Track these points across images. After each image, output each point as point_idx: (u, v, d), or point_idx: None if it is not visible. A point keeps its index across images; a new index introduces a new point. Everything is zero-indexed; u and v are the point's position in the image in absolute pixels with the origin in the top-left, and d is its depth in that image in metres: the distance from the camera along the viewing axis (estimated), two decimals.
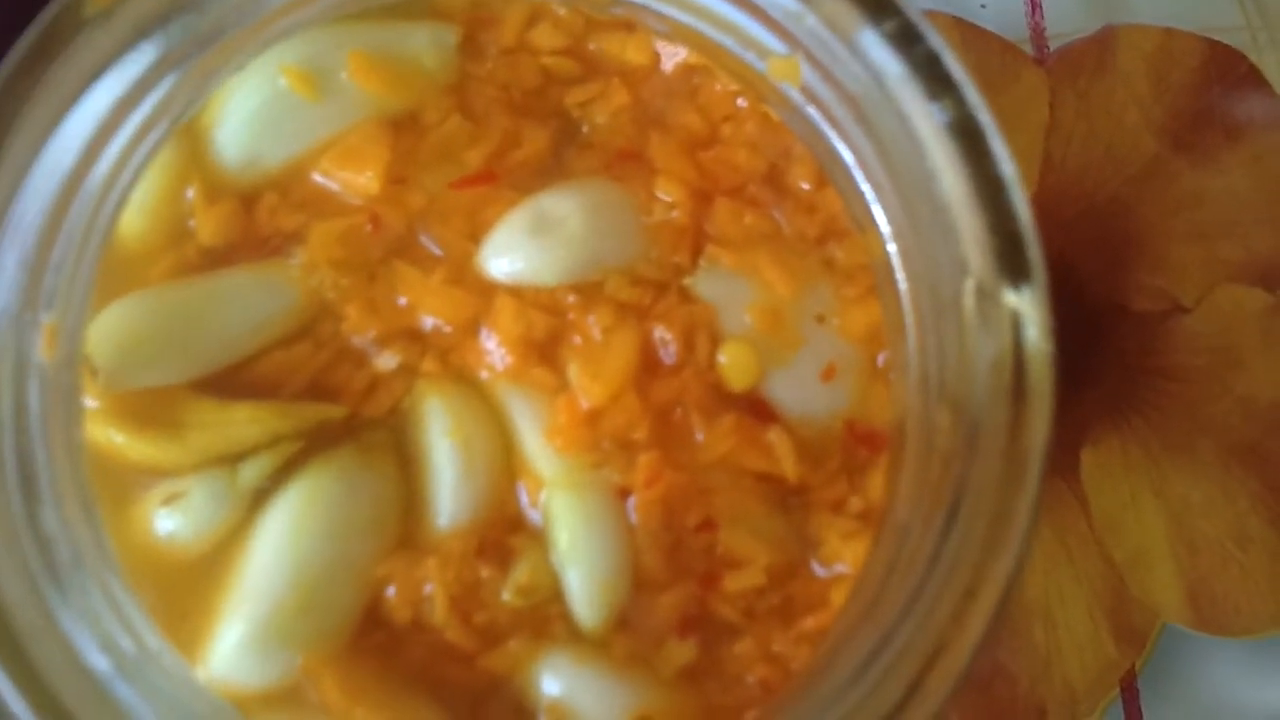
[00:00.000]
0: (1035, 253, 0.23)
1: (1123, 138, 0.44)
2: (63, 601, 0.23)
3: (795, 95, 0.27)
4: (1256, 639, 0.42)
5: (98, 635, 0.23)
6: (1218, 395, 0.43)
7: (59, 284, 0.25)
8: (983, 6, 0.48)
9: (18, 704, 0.22)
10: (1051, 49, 0.48)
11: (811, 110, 0.27)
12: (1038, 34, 0.49)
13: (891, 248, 0.27)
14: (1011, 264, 0.24)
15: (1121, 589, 0.41)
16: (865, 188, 0.27)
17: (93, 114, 0.24)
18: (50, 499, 0.24)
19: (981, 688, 0.42)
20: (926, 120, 0.24)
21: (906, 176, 0.25)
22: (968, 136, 0.24)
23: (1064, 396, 0.43)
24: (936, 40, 0.24)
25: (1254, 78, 0.45)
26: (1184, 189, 0.44)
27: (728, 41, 0.28)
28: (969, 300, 0.24)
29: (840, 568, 0.28)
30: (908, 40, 0.24)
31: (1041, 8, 0.49)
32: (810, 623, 0.28)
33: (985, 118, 0.23)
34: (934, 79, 0.24)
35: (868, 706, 0.24)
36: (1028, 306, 0.24)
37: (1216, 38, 0.44)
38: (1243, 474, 0.42)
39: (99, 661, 0.23)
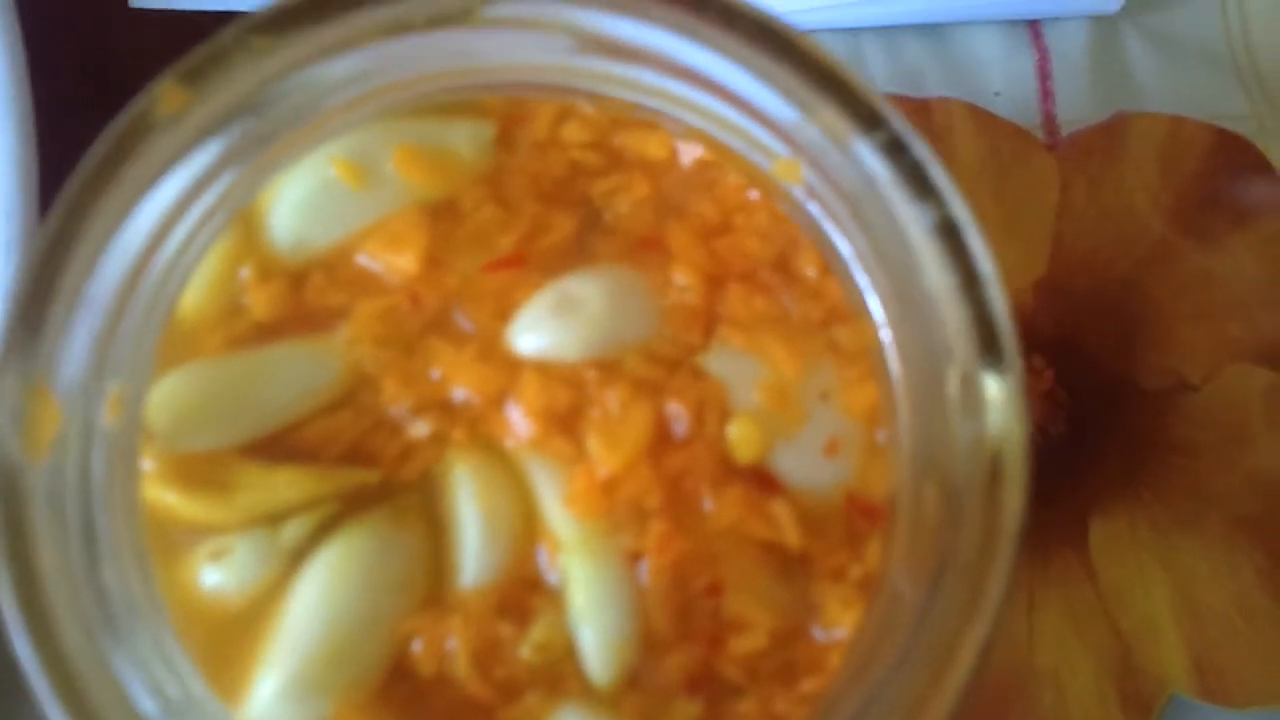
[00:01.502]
0: (1011, 344, 0.25)
1: (1132, 221, 0.45)
2: (117, 649, 0.25)
3: (798, 192, 0.29)
4: (1262, 711, 0.43)
5: (148, 681, 0.25)
6: (1225, 470, 0.43)
7: (125, 356, 0.27)
8: (996, 94, 0.50)
9: None
10: (1063, 134, 0.49)
11: (812, 206, 0.29)
12: (1049, 120, 0.50)
13: (885, 335, 0.28)
14: (990, 353, 0.26)
15: (1129, 659, 0.42)
16: (861, 279, 0.29)
17: (161, 205, 0.27)
18: (109, 555, 0.26)
19: None
20: (913, 221, 0.26)
21: (897, 271, 0.27)
22: (949, 235, 0.26)
23: (1074, 469, 0.45)
24: (922, 150, 0.26)
25: (1261, 164, 0.46)
26: (1192, 271, 0.45)
27: (736, 144, 0.30)
28: (953, 387, 0.26)
29: (839, 633, 0.29)
30: (896, 150, 0.26)
31: (1054, 95, 0.50)
32: (810, 684, 0.29)
33: (966, 218, 0.25)
34: (919, 183, 0.26)
35: None
36: (1002, 393, 0.26)
37: (1224, 125, 0.45)
38: (1248, 547, 0.43)
39: (148, 706, 0.25)
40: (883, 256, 0.27)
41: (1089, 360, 0.45)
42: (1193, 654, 0.41)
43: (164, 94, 0.25)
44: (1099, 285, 0.46)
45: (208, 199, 0.27)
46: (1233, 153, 0.46)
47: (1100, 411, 0.45)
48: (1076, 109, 0.49)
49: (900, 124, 0.25)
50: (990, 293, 0.25)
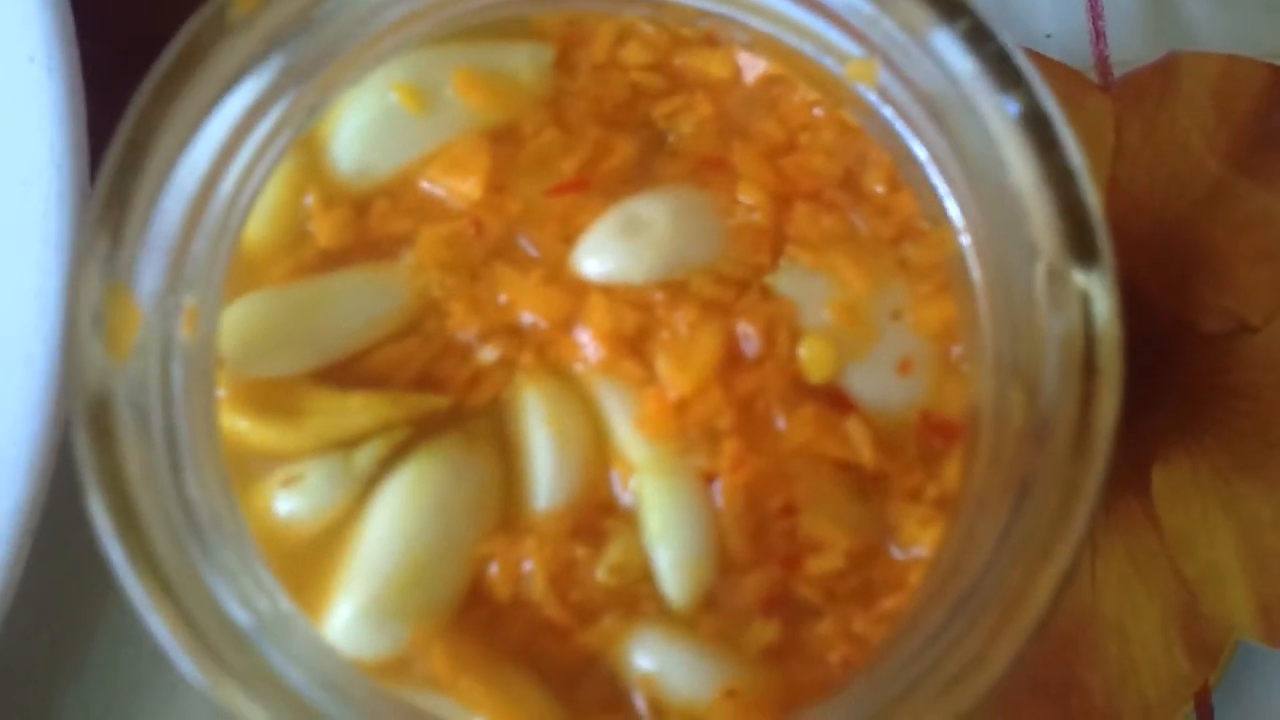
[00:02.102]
0: (1103, 236, 0.25)
1: (1187, 162, 0.44)
2: (206, 562, 0.25)
3: (872, 97, 0.29)
4: None
5: (238, 594, 0.25)
6: None
7: (198, 272, 0.27)
8: (1048, 36, 0.49)
9: (178, 653, 0.24)
10: (1116, 76, 0.49)
11: (887, 110, 0.29)
12: (1102, 62, 0.49)
13: (965, 239, 0.28)
14: (1080, 247, 0.25)
15: (1194, 605, 0.41)
16: (939, 183, 0.28)
17: (228, 120, 0.27)
18: (191, 467, 0.26)
19: (1058, 700, 0.42)
20: (997, 113, 0.26)
21: (978, 169, 0.27)
22: (1037, 127, 0.25)
23: (1134, 416, 0.44)
24: (1006, 39, 0.25)
25: None
26: (1249, 211, 0.44)
27: (806, 48, 0.29)
28: (1040, 283, 0.26)
29: (917, 551, 0.29)
30: (978, 39, 0.26)
31: (1105, 36, 0.49)
32: (889, 604, 0.29)
33: (1053, 108, 0.25)
34: (1004, 74, 0.26)
35: (947, 660, 0.25)
36: (1096, 286, 0.25)
37: (1279, 63, 0.44)
38: None
39: (242, 616, 0.25)
40: (963, 156, 0.27)
41: (1147, 304, 0.45)
42: (1258, 599, 0.41)
43: None
44: (1156, 227, 0.45)
45: (271, 117, 0.28)
46: None
47: (1160, 356, 0.45)
48: (1129, 49, 0.48)
49: (982, 12, 0.25)
50: (1080, 183, 0.24)
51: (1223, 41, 0.48)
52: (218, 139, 0.26)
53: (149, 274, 0.26)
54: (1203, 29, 0.49)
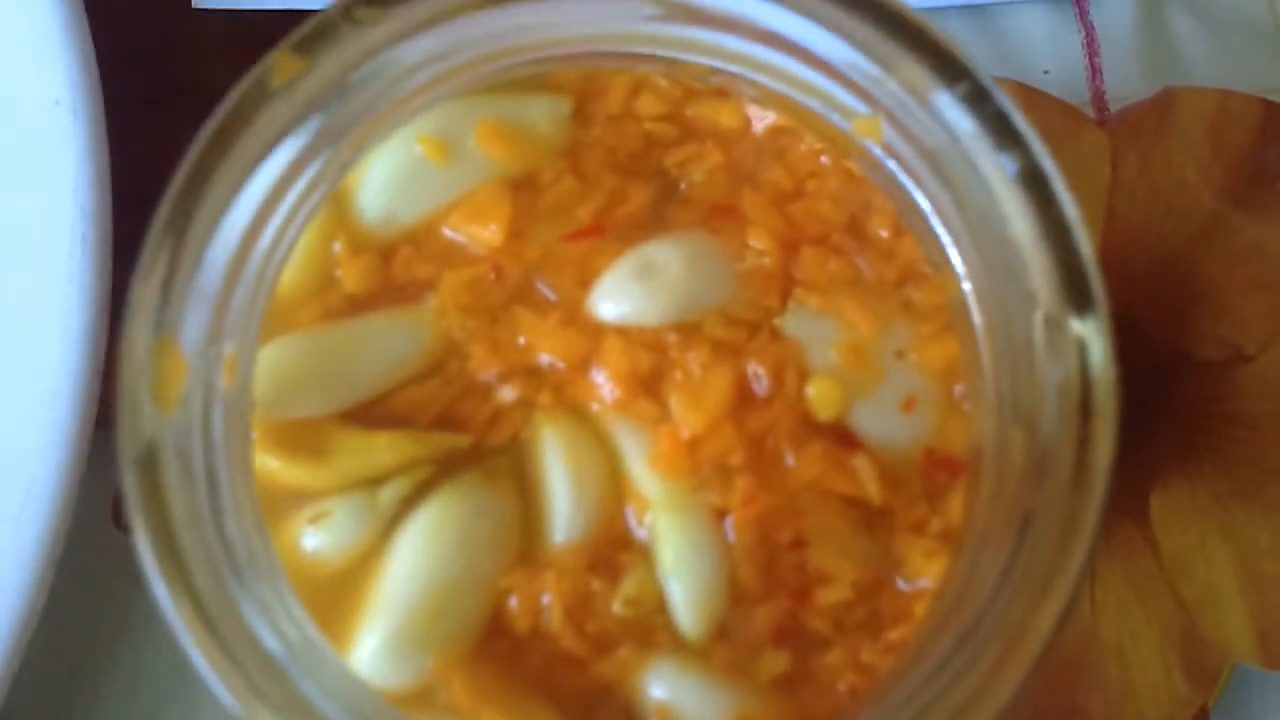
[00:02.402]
0: (1097, 285, 0.26)
1: (1183, 195, 0.44)
2: (242, 593, 0.26)
3: (877, 151, 0.30)
4: None
5: (271, 626, 0.26)
6: None
7: (237, 322, 0.28)
8: (1045, 72, 0.50)
9: (216, 682, 0.25)
10: (1113, 111, 0.49)
11: (891, 164, 0.30)
12: (1098, 97, 0.50)
13: (966, 286, 0.29)
14: (1076, 296, 0.26)
15: (1192, 629, 0.42)
16: (941, 233, 0.29)
17: (269, 178, 0.27)
18: (231, 510, 0.27)
19: None
20: (996, 171, 0.27)
21: (979, 221, 0.28)
22: (1034, 184, 0.26)
23: (1132, 443, 0.44)
24: (1004, 100, 0.27)
25: None
26: (1244, 243, 0.44)
27: (814, 104, 0.30)
28: (1038, 330, 0.27)
29: (923, 583, 0.30)
30: (978, 100, 0.27)
31: (1102, 73, 0.50)
32: (896, 634, 0.30)
33: (1050, 166, 0.26)
34: (1003, 133, 0.27)
35: (953, 691, 0.26)
36: (1091, 333, 0.26)
37: (1272, 98, 0.45)
38: None
39: (274, 645, 0.26)
40: (964, 209, 0.28)
41: (1144, 334, 0.45)
42: (1256, 623, 0.41)
43: (279, 63, 0.27)
44: (1152, 260, 0.46)
45: (307, 175, 0.28)
46: None
47: (1157, 385, 0.45)
48: (1125, 85, 0.49)
49: (982, 75, 0.26)
50: (1076, 237, 0.26)
51: (1218, 77, 0.49)
52: (258, 197, 0.27)
53: (194, 326, 0.27)
54: (1198, 64, 0.50)
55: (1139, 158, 0.45)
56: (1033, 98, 0.47)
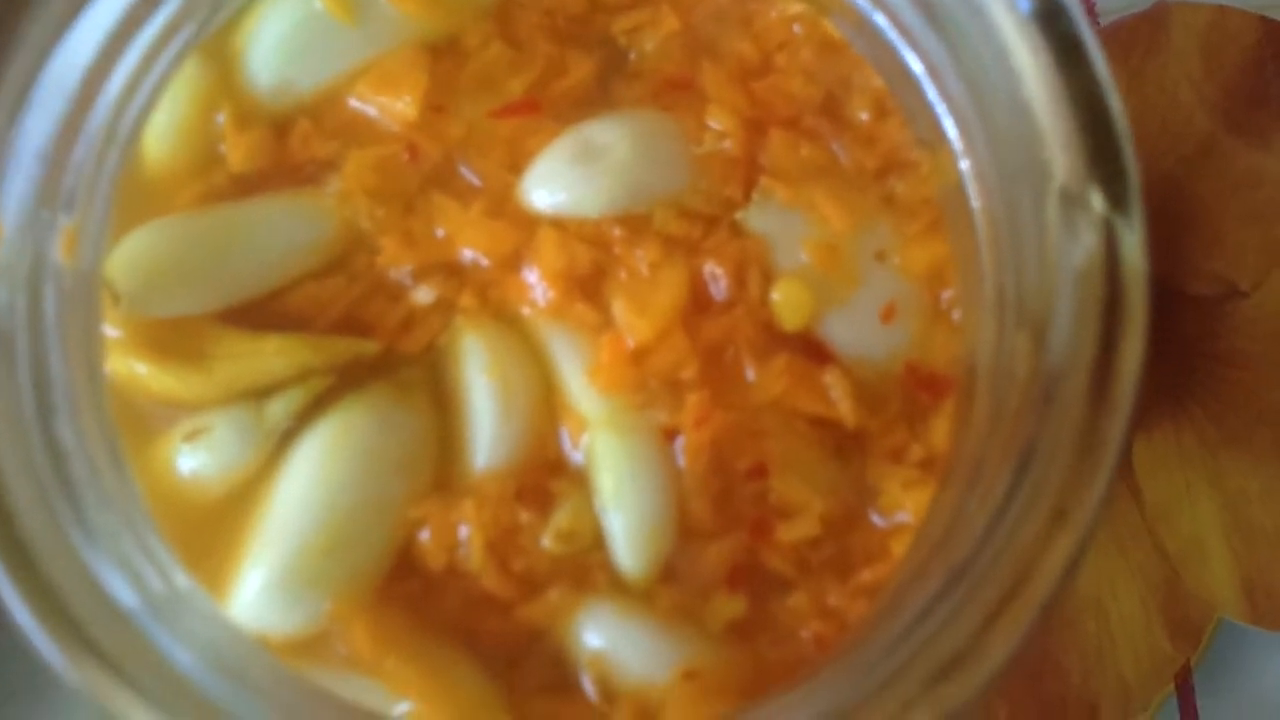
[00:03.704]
0: (1130, 151, 0.22)
1: (1176, 116, 0.43)
2: (79, 524, 0.22)
3: (862, 3, 0.26)
4: None
5: (121, 566, 0.23)
6: (1276, 383, 0.42)
7: (79, 188, 0.24)
8: None
9: (38, 633, 0.21)
10: (1103, 24, 0.48)
11: (879, 17, 0.26)
12: (1089, 10, 0.48)
13: (964, 164, 0.26)
14: (1104, 165, 0.23)
15: (1176, 582, 0.40)
16: (936, 101, 0.26)
17: (111, 8, 0.24)
18: (66, 411, 0.23)
19: (1032, 681, 0.41)
20: (1008, 11, 0.23)
21: (983, 81, 0.24)
22: (1056, 25, 0.23)
23: None
24: None
25: None
26: (1240, 169, 0.43)
27: None
28: (1053, 209, 0.23)
29: (901, 517, 0.27)
30: None
31: None
32: (868, 575, 0.27)
33: (1074, 5, 0.22)
34: None
35: (939, 642, 0.22)
36: (1122, 211, 0.22)
37: (1272, 15, 0.44)
38: None
39: (125, 594, 0.22)
40: (965, 67, 0.24)
41: None
42: (1243, 575, 0.40)
43: None
44: (1143, 185, 0.43)
45: (165, 9, 0.25)
46: None
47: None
48: None
49: None
50: (1105, 90, 0.22)
51: None
52: (101, 28, 0.24)
53: (16, 180, 0.23)
54: None
55: (1130, 75, 0.44)
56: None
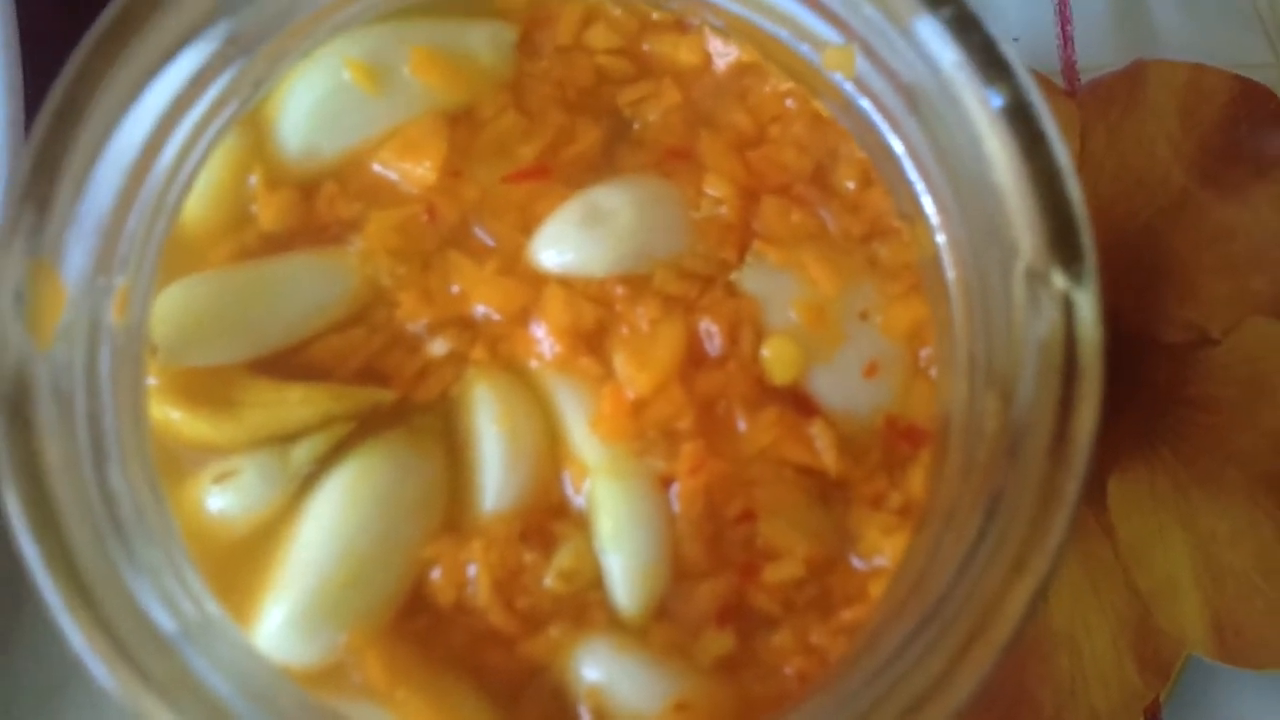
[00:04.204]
0: (1088, 236, 0.24)
1: (1153, 171, 0.44)
2: (128, 559, 0.24)
3: (848, 87, 0.28)
4: None
5: (162, 597, 0.24)
6: (1246, 427, 0.42)
7: (130, 254, 0.25)
8: (1015, 39, 0.49)
9: (91, 657, 0.22)
10: (1083, 82, 0.48)
11: (864, 102, 0.28)
12: (1069, 67, 0.49)
13: (940, 239, 0.27)
14: (1064, 246, 0.24)
15: (1147, 619, 0.41)
16: (915, 180, 0.27)
17: (167, 91, 0.25)
18: (116, 458, 0.24)
19: (1008, 714, 0.42)
20: (981, 106, 0.24)
21: (958, 164, 0.26)
22: (1023, 120, 0.24)
23: None
24: (991, 29, 0.24)
25: None
26: (1214, 222, 0.44)
27: (782, 33, 0.28)
28: (1019, 284, 0.25)
29: (879, 561, 0.28)
30: (963, 28, 0.25)
31: (1073, 41, 0.49)
32: (848, 615, 0.28)
33: (1039, 102, 0.24)
34: (989, 65, 0.25)
35: (912, 678, 0.24)
36: (1079, 288, 0.24)
37: (1246, 74, 0.44)
38: (1270, 505, 0.42)
39: (166, 623, 0.23)
40: (942, 151, 0.26)
41: (1108, 313, 0.44)
42: (1212, 614, 0.41)
43: None
44: (1119, 236, 0.45)
45: (214, 89, 0.26)
46: (1254, 102, 0.45)
47: (1120, 366, 0.44)
48: (1096, 55, 0.48)
49: (966, 1, 0.24)
50: (1066, 181, 0.23)
51: (1191, 50, 0.48)
52: (156, 109, 0.25)
53: (78, 251, 0.24)
54: (1171, 37, 0.49)
55: (1108, 130, 0.45)
56: None
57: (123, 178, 0.25)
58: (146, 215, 0.25)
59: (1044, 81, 0.46)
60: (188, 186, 0.27)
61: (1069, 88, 0.49)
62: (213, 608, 0.25)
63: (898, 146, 0.28)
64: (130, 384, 0.25)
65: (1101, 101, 0.45)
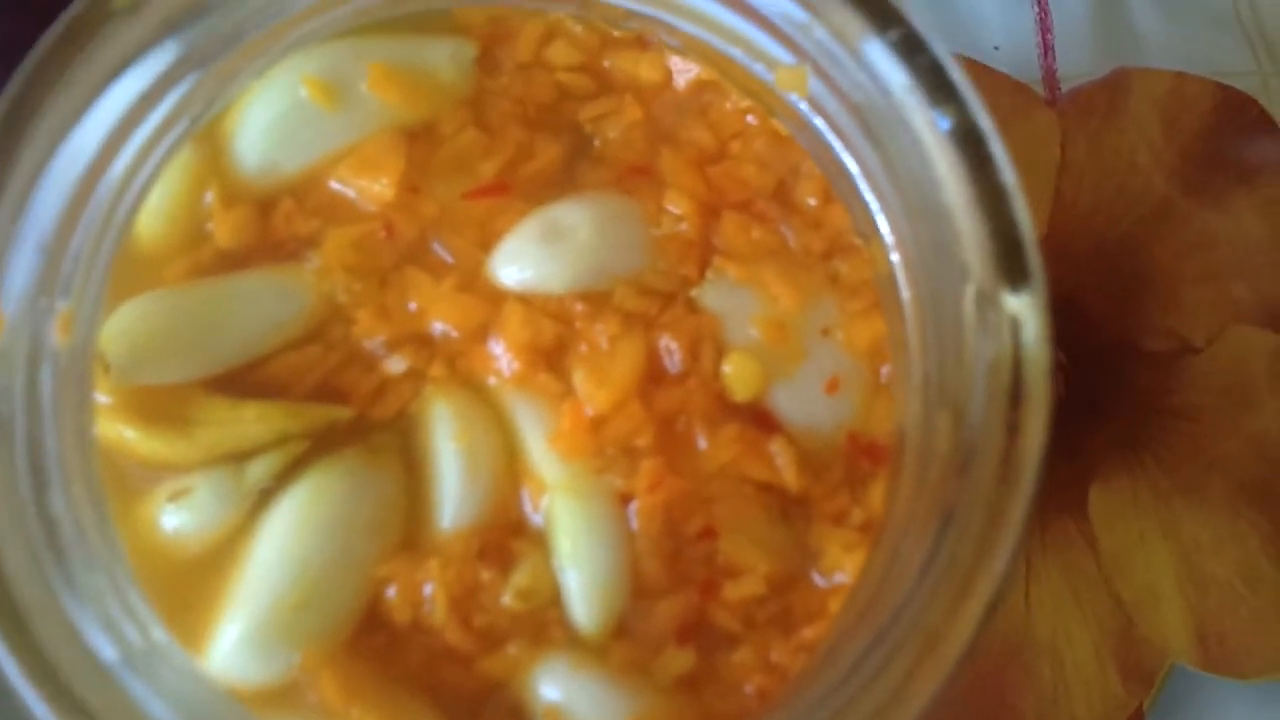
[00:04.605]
0: (1035, 258, 0.24)
1: (1134, 179, 0.44)
2: (68, 586, 0.23)
3: (802, 107, 0.28)
4: (1266, 681, 0.42)
5: (104, 624, 0.24)
6: (1228, 435, 0.42)
7: (75, 273, 0.25)
8: (996, 49, 0.49)
9: (28, 691, 0.22)
10: (1063, 91, 0.48)
11: (818, 121, 0.28)
12: (1050, 76, 0.49)
13: (895, 257, 0.27)
14: (1011, 269, 0.24)
15: (1129, 628, 0.41)
16: (870, 198, 0.27)
17: (116, 107, 0.25)
18: (58, 482, 0.24)
19: None
20: (929, 128, 0.24)
21: (910, 185, 0.26)
22: (970, 143, 0.24)
23: (1073, 434, 0.43)
24: (940, 50, 0.24)
25: (1265, 122, 0.45)
26: (1195, 231, 0.44)
27: (737, 54, 0.28)
28: (969, 306, 0.24)
29: (840, 578, 0.28)
30: (911, 49, 0.25)
31: (1054, 50, 0.49)
32: (809, 632, 0.28)
33: (987, 125, 0.24)
34: (937, 87, 0.25)
35: (859, 703, 0.24)
36: (1026, 310, 0.24)
37: (1228, 82, 0.44)
38: (1253, 514, 0.42)
39: (107, 651, 0.23)
40: (894, 171, 0.25)
41: (1089, 322, 0.44)
42: (1195, 623, 0.41)
43: None
44: (1100, 245, 0.45)
45: (166, 105, 0.26)
46: (1236, 110, 0.45)
47: (1101, 375, 0.44)
48: (1078, 64, 0.48)
49: (915, 23, 0.24)
50: (1013, 203, 0.23)
51: (1173, 58, 0.48)
52: (105, 126, 0.25)
53: (19, 272, 0.24)
54: (1153, 45, 0.49)
55: (1089, 139, 0.45)
56: (981, 74, 0.46)
57: (68, 196, 0.25)
58: (93, 234, 0.25)
59: (1024, 90, 0.46)
60: (136, 205, 0.26)
61: (1050, 96, 0.49)
62: (159, 633, 0.25)
63: (852, 166, 0.28)
64: (75, 405, 0.25)
65: (1082, 110, 0.45)
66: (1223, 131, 0.45)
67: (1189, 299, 0.43)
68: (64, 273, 0.25)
